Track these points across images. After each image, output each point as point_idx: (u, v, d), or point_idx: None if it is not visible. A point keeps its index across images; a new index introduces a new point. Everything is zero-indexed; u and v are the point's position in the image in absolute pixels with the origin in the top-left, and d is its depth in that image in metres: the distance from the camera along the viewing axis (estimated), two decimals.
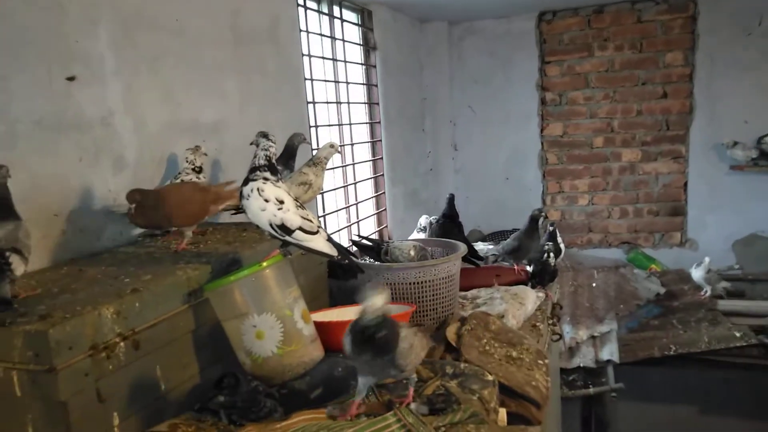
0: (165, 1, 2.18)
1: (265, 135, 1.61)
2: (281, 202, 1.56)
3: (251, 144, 1.63)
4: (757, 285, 4.40)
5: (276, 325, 1.52)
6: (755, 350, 3.55)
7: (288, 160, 2.34)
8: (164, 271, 1.55)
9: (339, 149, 2.31)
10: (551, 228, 2.86)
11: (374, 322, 1.27)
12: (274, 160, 1.62)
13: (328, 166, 2.30)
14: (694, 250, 5.06)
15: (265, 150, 1.60)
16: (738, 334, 3.55)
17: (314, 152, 2.36)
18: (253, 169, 1.59)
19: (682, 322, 3.81)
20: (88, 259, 1.75)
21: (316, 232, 1.59)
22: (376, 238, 4.17)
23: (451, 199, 3.04)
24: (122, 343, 1.31)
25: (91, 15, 1.87)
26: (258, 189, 1.56)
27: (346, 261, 1.68)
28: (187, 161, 2.06)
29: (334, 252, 1.61)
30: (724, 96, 4.89)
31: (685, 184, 5.14)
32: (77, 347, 1.21)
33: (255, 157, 1.61)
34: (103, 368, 1.26)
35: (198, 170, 2.05)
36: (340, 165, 3.77)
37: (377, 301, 1.26)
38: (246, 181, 1.59)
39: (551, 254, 2.57)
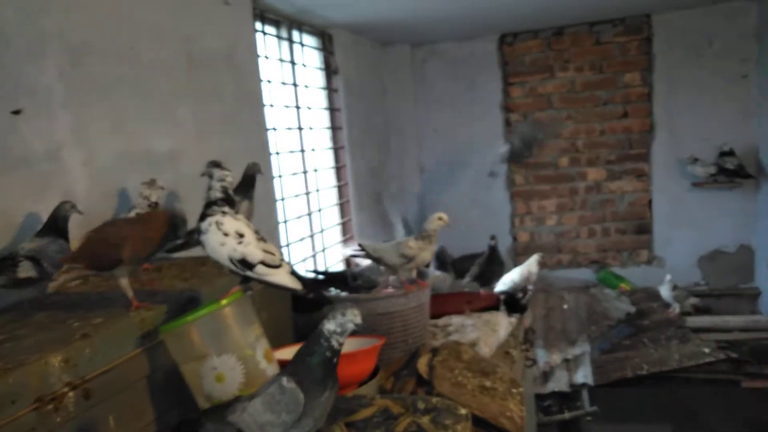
0: (117, 28, 2.11)
1: (217, 164, 1.53)
2: (241, 236, 1.49)
3: (202, 175, 1.54)
4: (722, 300, 4.46)
5: (237, 367, 1.44)
6: (723, 365, 3.58)
7: (248, 190, 2.25)
8: (116, 312, 1.46)
9: (448, 221, 2.07)
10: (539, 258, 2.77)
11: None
12: (231, 191, 1.55)
13: (436, 239, 2.08)
14: (661, 268, 5.10)
15: (221, 180, 1.52)
16: (706, 350, 3.57)
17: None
18: (209, 204, 1.51)
19: (653, 340, 3.82)
20: (36, 302, 1.64)
21: (279, 266, 1.52)
22: (343, 267, 4.09)
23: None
24: (71, 393, 1.23)
25: (38, 46, 1.79)
26: (217, 222, 1.49)
27: (311, 294, 1.61)
28: (141, 196, 1.92)
29: (298, 285, 1.54)
30: (682, 114, 4.99)
31: (650, 202, 5.20)
32: (21, 400, 1.12)
33: (210, 189, 1.52)
34: (50, 422, 1.17)
35: (153, 206, 1.89)
36: (304, 192, 3.70)
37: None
38: (203, 217, 1.51)
39: (526, 291, 2.57)
